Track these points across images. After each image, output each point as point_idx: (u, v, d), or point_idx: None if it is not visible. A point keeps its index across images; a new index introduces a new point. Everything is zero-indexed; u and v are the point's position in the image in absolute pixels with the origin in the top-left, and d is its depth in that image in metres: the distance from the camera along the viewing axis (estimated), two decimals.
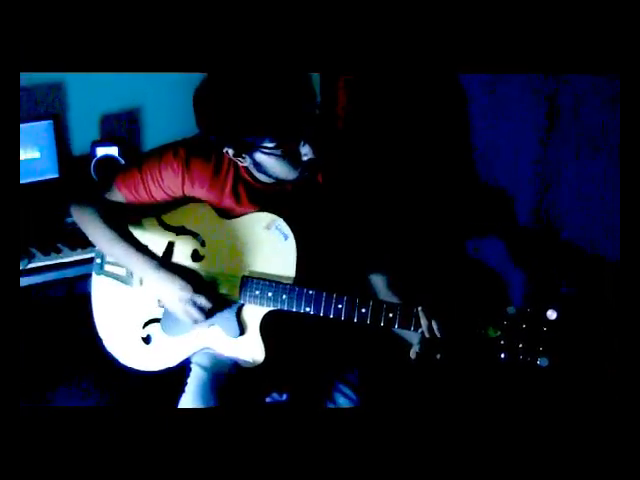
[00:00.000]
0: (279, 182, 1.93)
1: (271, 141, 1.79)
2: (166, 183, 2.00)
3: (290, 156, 1.83)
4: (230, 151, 1.87)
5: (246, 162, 1.89)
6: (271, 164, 1.85)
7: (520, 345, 1.71)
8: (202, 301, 1.92)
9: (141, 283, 2.09)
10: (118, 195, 2.03)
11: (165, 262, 1.97)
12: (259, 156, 1.84)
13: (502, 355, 1.73)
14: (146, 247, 2.00)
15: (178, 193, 2.01)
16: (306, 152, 1.83)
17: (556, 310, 1.68)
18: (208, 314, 1.94)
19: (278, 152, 1.81)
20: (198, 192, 2.01)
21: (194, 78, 1.87)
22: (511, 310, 1.73)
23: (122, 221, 2.05)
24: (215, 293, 1.96)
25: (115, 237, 2.00)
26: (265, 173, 1.91)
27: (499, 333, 1.73)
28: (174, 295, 1.92)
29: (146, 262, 1.96)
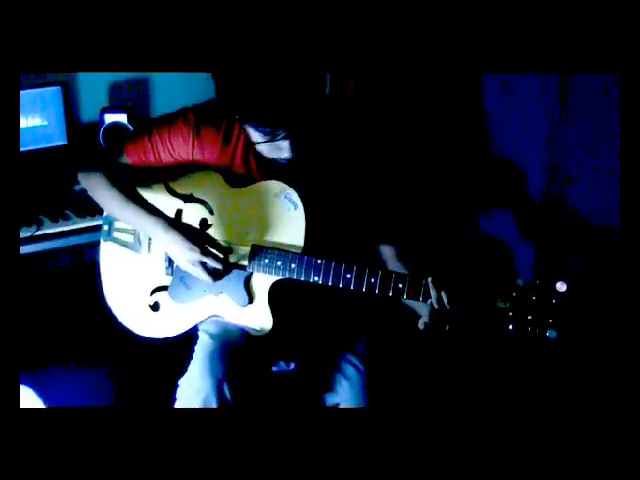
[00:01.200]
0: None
1: (252, 122, 1.80)
2: (176, 150, 2.00)
3: (272, 144, 1.83)
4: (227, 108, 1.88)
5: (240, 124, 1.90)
6: (255, 137, 1.85)
7: (529, 317, 1.71)
8: (210, 262, 1.91)
9: (149, 250, 2.09)
10: (127, 160, 2.03)
11: (175, 223, 1.96)
12: (250, 131, 1.84)
13: (511, 327, 1.72)
14: (156, 208, 1.98)
15: (188, 159, 2.01)
16: (284, 147, 1.82)
17: (566, 282, 1.68)
18: (216, 276, 1.93)
19: (263, 135, 1.81)
20: (208, 158, 2.00)
21: None
22: (520, 282, 1.72)
23: (131, 184, 2.04)
24: (224, 256, 1.95)
25: (124, 199, 1.98)
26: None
27: (508, 305, 1.72)
28: (183, 256, 1.91)
29: (157, 223, 1.94)
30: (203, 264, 1.91)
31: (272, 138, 1.81)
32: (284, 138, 1.80)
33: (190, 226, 1.97)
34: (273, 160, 1.89)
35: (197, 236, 1.94)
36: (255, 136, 1.83)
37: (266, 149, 1.86)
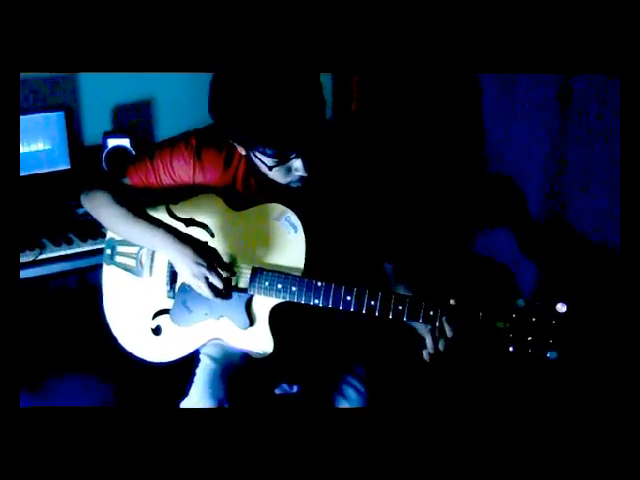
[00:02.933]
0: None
1: (262, 148, 1.79)
2: (177, 172, 2.01)
3: (280, 169, 1.83)
4: (235, 144, 1.89)
5: (243, 152, 1.90)
6: (264, 169, 1.85)
7: (529, 338, 1.71)
8: (214, 279, 1.91)
9: (151, 274, 2.10)
10: (129, 182, 2.04)
11: (183, 236, 1.95)
12: (254, 159, 1.85)
13: (511, 348, 1.72)
14: (162, 222, 1.98)
15: (189, 182, 2.02)
16: (297, 167, 1.83)
17: (565, 303, 1.67)
18: (218, 293, 1.93)
19: (270, 163, 1.81)
20: (209, 182, 2.01)
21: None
22: (520, 303, 1.72)
23: (135, 202, 2.03)
24: (228, 274, 1.94)
25: (130, 216, 1.98)
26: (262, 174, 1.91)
27: (508, 326, 1.72)
28: (188, 270, 1.90)
29: (164, 236, 1.93)
30: (207, 279, 1.91)
31: (283, 160, 1.80)
32: (296, 157, 1.80)
33: (198, 240, 1.96)
34: (288, 184, 1.89)
35: (204, 250, 1.93)
36: (267, 163, 1.82)
37: (280, 174, 1.85)
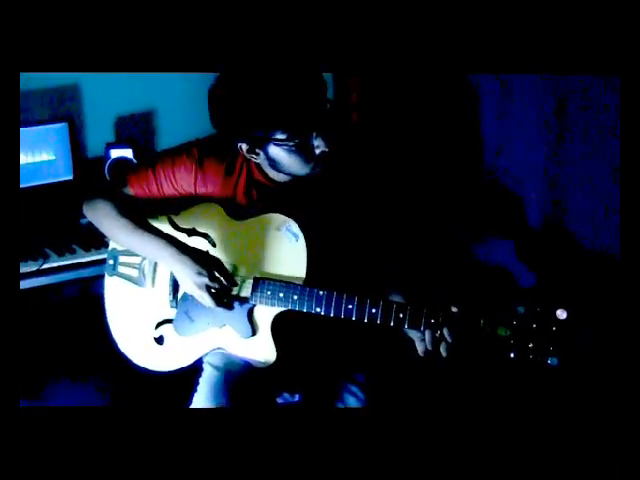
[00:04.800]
0: (292, 179, 1.95)
1: (283, 133, 1.82)
2: (179, 182, 2.02)
3: (303, 149, 1.85)
4: (244, 146, 1.89)
5: (260, 158, 1.91)
6: (284, 158, 1.87)
7: (530, 345, 1.71)
8: (217, 288, 1.92)
9: (153, 284, 2.11)
10: (130, 192, 2.05)
11: (184, 246, 1.96)
12: (272, 150, 1.86)
13: (512, 354, 1.73)
14: (163, 233, 1.99)
15: (190, 192, 2.03)
16: (318, 144, 1.85)
17: (566, 310, 1.68)
18: (220, 302, 1.93)
19: (291, 145, 1.83)
20: (210, 191, 2.02)
21: (208, 80, 1.89)
22: (521, 309, 1.72)
23: (137, 212, 2.04)
24: (229, 283, 1.95)
25: (132, 226, 1.99)
26: (278, 169, 1.92)
27: (509, 333, 1.73)
28: (189, 280, 1.91)
29: (165, 246, 1.94)
30: (209, 289, 1.92)
31: (305, 137, 1.83)
32: (317, 133, 1.84)
33: (199, 250, 1.98)
34: (308, 172, 1.90)
35: (205, 260, 1.94)
36: (289, 145, 1.84)
37: (302, 159, 1.87)
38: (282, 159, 1.88)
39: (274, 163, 1.90)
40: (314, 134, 1.84)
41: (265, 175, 1.99)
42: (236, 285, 1.96)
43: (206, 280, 1.90)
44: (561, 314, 1.68)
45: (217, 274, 1.92)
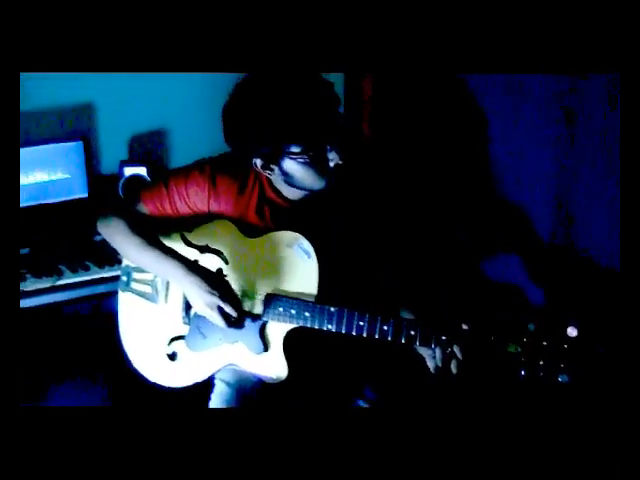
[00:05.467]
0: (304, 196, 1.96)
1: (298, 146, 1.84)
2: (192, 199, 2.04)
3: (317, 162, 1.87)
4: (258, 162, 1.91)
5: (274, 174, 1.93)
6: (299, 171, 1.89)
7: (541, 362, 1.72)
8: (227, 308, 1.93)
9: (166, 300, 2.13)
10: (144, 209, 2.07)
11: (195, 266, 1.98)
12: (287, 164, 1.88)
13: (522, 372, 1.73)
14: (176, 252, 2.01)
15: (203, 209, 2.05)
16: (332, 157, 1.87)
17: (576, 327, 1.69)
18: (230, 322, 1.95)
19: (306, 158, 1.85)
20: (223, 209, 2.04)
21: (221, 99, 1.92)
22: (531, 327, 1.73)
23: (149, 230, 2.06)
24: (239, 304, 1.97)
25: (144, 244, 2.01)
26: (293, 184, 1.94)
27: (519, 350, 1.74)
28: (201, 299, 1.93)
29: (177, 266, 1.96)
30: (220, 308, 1.93)
31: (319, 151, 1.86)
32: (330, 147, 1.86)
33: (209, 270, 1.99)
34: (323, 186, 1.92)
35: (216, 280, 1.96)
36: (304, 159, 1.86)
37: (317, 172, 1.89)
38: (296, 172, 1.89)
39: (288, 177, 1.92)
40: (328, 147, 1.87)
41: (278, 193, 2.01)
42: (241, 306, 1.97)
43: (216, 300, 1.91)
44: (571, 331, 1.69)
45: (228, 293, 1.94)
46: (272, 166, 1.91)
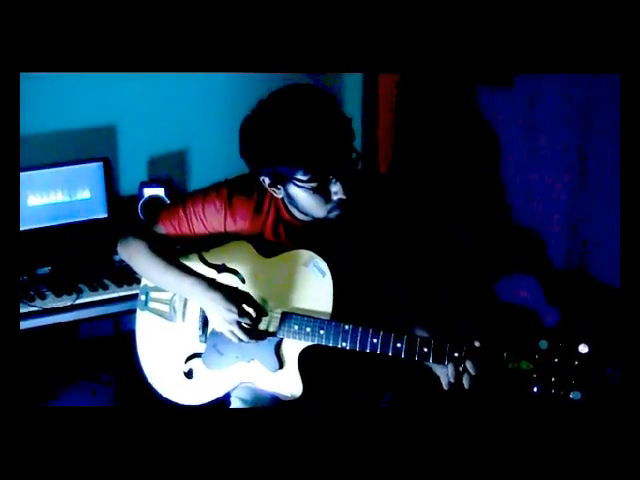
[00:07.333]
0: (313, 219, 1.99)
1: (304, 174, 1.86)
2: (209, 220, 2.08)
3: (320, 193, 1.89)
4: (266, 180, 1.94)
5: (280, 194, 1.96)
6: (302, 198, 1.91)
7: (552, 379, 1.73)
8: (246, 324, 1.95)
9: (183, 319, 2.16)
10: (162, 230, 2.11)
11: (214, 283, 2.00)
12: (292, 188, 1.91)
13: (535, 389, 1.74)
14: (194, 270, 2.04)
15: (220, 229, 2.09)
16: (336, 190, 1.89)
17: (588, 344, 1.70)
18: (251, 337, 1.96)
19: (309, 186, 1.87)
20: (239, 228, 2.08)
21: (238, 122, 1.95)
22: (543, 344, 1.74)
23: (168, 250, 2.10)
24: (258, 319, 1.99)
25: (163, 263, 2.05)
26: (297, 207, 1.97)
27: (531, 367, 1.75)
28: (219, 316, 1.95)
29: (196, 283, 1.99)
30: (239, 324, 1.95)
31: (323, 182, 1.87)
32: (335, 180, 1.87)
33: (228, 287, 2.01)
34: (327, 215, 1.94)
35: (234, 296, 1.98)
36: (308, 187, 1.88)
37: (321, 202, 1.91)
38: (299, 199, 1.92)
39: (292, 201, 1.95)
40: (333, 180, 1.88)
41: (292, 214, 2.04)
42: (266, 315, 2.00)
43: (235, 316, 1.94)
44: (583, 349, 1.70)
45: (246, 309, 1.96)
46: (279, 186, 1.94)
